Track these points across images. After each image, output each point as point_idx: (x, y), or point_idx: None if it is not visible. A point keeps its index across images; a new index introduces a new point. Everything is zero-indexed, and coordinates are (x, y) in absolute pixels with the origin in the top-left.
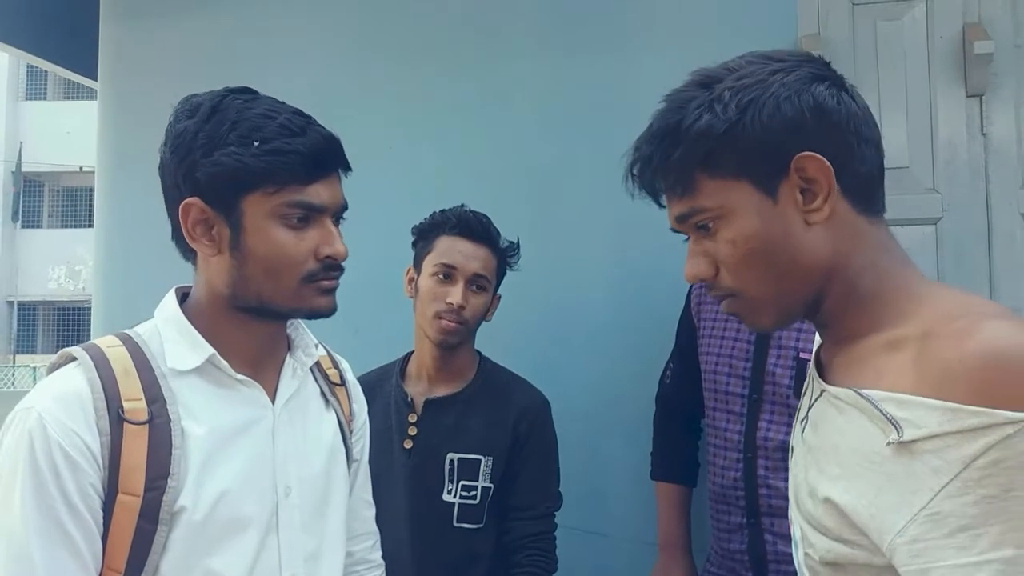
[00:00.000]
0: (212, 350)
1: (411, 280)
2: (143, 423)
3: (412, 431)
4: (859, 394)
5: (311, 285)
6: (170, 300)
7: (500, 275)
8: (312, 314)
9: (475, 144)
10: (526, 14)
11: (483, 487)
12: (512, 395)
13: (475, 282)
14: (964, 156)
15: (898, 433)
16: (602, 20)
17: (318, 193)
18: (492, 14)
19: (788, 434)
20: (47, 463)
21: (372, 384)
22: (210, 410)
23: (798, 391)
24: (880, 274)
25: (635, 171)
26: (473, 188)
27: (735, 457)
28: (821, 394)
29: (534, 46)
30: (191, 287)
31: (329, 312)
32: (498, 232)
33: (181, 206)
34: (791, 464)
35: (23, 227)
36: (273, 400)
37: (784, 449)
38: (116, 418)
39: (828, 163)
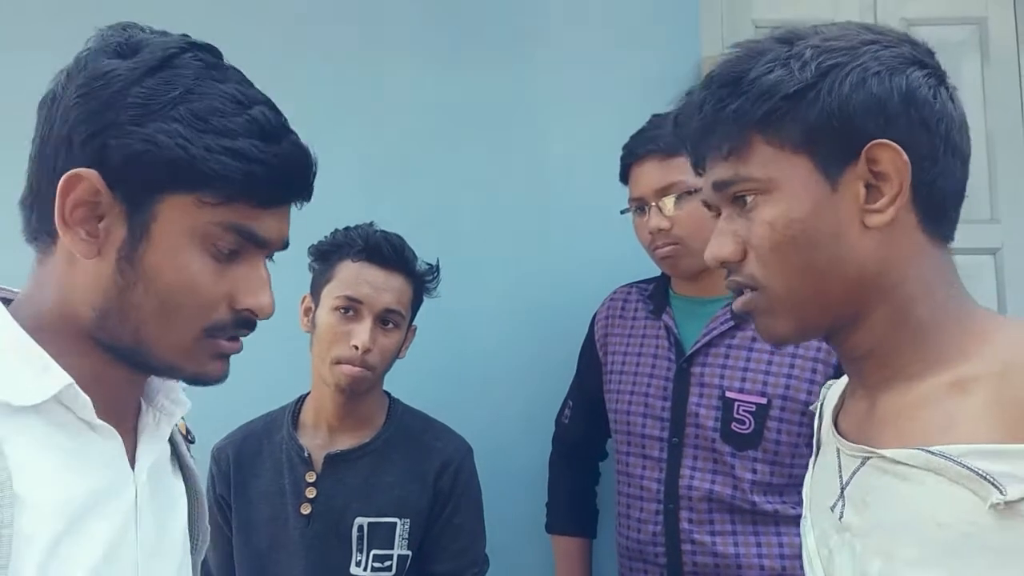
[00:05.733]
0: (69, 379)
1: (307, 311)
2: None
3: (311, 493)
4: (931, 453)
5: (210, 341)
6: None
7: (416, 305)
8: (195, 379)
9: (358, 150)
10: (414, 23)
11: (399, 555)
12: (431, 444)
13: (386, 318)
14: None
15: (1001, 492)
16: (496, 34)
17: (268, 225)
18: (374, 14)
19: (713, 483)
20: None
21: (258, 436)
22: (57, 471)
23: (724, 434)
24: (938, 304)
25: (680, 119)
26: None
27: (654, 509)
28: (864, 463)
29: (423, 58)
30: (14, 292)
31: (216, 381)
32: (414, 255)
33: (67, 175)
34: (819, 564)
35: None
36: (132, 464)
37: (710, 500)
38: None
39: (907, 159)
